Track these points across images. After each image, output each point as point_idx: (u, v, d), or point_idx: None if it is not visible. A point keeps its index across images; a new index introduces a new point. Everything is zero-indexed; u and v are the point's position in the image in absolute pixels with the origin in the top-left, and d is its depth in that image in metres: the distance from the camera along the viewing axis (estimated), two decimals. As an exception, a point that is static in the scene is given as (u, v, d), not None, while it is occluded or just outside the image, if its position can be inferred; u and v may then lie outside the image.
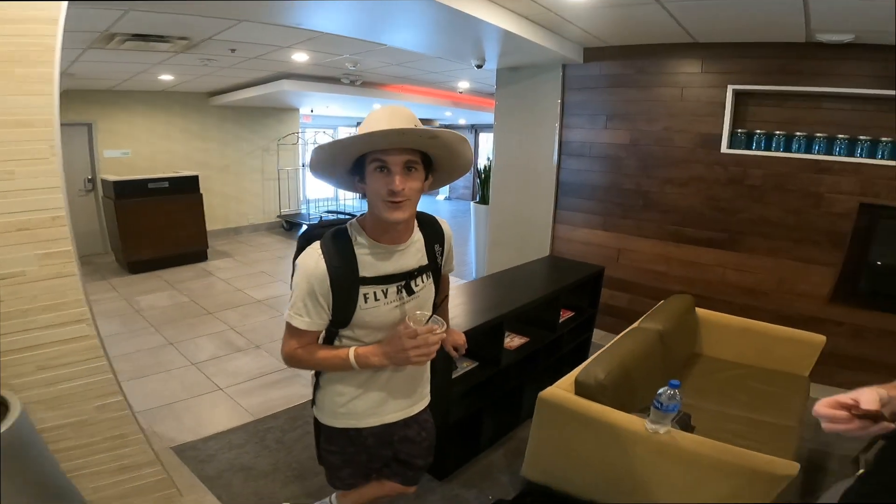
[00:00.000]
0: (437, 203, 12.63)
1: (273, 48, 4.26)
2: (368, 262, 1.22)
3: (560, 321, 2.96)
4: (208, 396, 3.16)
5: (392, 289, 1.26)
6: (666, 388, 1.67)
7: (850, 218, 3.19)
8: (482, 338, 2.36)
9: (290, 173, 8.46)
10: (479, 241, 5.54)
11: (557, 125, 4.13)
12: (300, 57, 4.60)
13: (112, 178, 5.77)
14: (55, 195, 1.65)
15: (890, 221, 3.07)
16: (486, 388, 2.46)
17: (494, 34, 3.12)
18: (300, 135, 8.35)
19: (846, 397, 0.87)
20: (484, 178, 5.46)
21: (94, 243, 6.53)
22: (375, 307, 1.24)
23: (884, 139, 3.03)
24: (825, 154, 3.21)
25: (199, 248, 6.44)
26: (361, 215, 1.28)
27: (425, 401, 1.53)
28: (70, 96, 5.91)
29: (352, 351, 1.23)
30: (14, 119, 1.57)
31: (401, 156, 1.12)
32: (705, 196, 3.63)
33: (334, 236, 1.23)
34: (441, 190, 13.05)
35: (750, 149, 3.43)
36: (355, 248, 1.22)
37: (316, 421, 1.46)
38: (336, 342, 1.31)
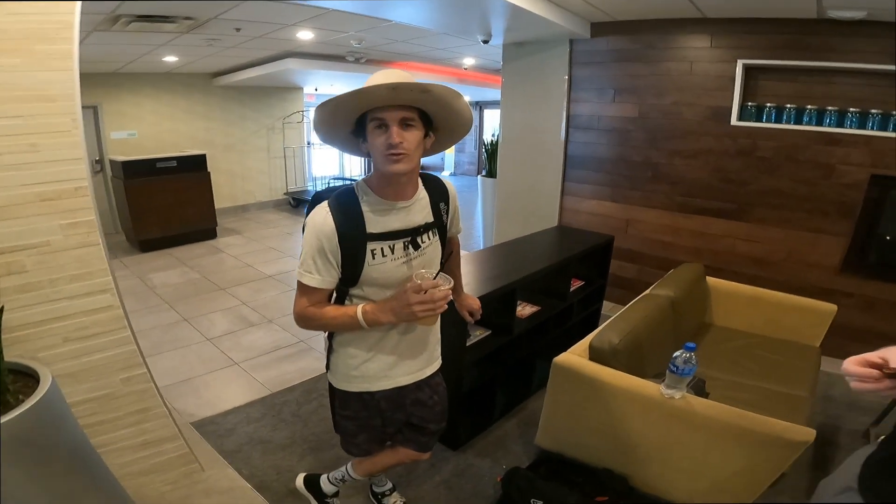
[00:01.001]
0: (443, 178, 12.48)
1: (278, 26, 4.22)
2: (375, 219, 1.26)
3: (570, 290, 2.99)
4: (225, 371, 3.23)
5: (399, 245, 1.29)
6: (681, 351, 1.68)
7: (860, 189, 3.17)
8: (494, 305, 2.40)
9: (296, 151, 8.45)
10: (487, 214, 5.55)
11: (565, 99, 4.10)
12: (305, 35, 4.56)
13: (121, 158, 5.79)
14: (78, 166, 1.68)
15: (900, 192, 3.06)
16: (499, 357, 2.50)
17: (501, 8, 3.08)
18: (304, 113, 8.30)
19: (875, 355, 0.84)
20: (491, 152, 5.45)
21: (104, 223, 6.33)
22: (383, 263, 1.28)
23: (895, 112, 3.00)
24: (836, 127, 3.19)
25: (209, 226, 6.48)
26: (367, 176, 1.33)
27: (436, 363, 1.57)
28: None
29: (359, 308, 1.28)
30: (37, 94, 1.60)
31: (397, 112, 1.16)
32: (714, 167, 3.62)
33: (341, 194, 1.28)
34: (446, 166, 12.99)
35: (760, 121, 3.41)
36: (362, 205, 1.26)
37: (331, 386, 1.51)
38: (346, 302, 1.36)
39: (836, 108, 3.16)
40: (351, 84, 8.32)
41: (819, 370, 2.53)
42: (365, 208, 1.26)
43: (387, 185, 1.27)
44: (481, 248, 5.51)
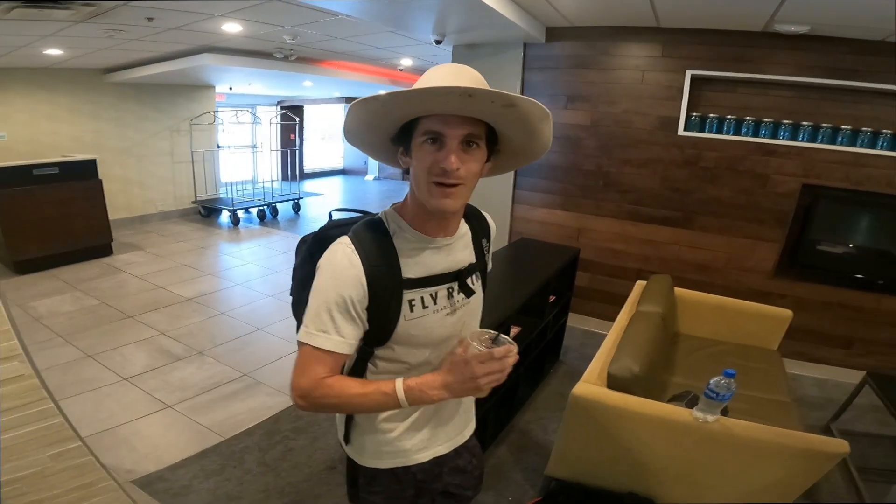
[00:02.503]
0: (367, 183, 11.97)
1: (202, 17, 3.71)
2: (412, 259, 1.00)
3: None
4: (156, 416, 2.73)
5: (442, 292, 1.04)
6: (720, 377, 1.64)
7: (793, 197, 3.43)
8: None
9: (206, 155, 7.62)
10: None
11: (516, 106, 4.02)
12: (232, 28, 4.06)
13: (-14, 163, 4.81)
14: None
15: (828, 200, 3.33)
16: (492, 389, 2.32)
17: (462, 4, 2.89)
18: (216, 114, 7.54)
19: None
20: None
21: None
22: (424, 316, 1.01)
23: (824, 125, 3.27)
24: (770, 138, 3.41)
25: (102, 241, 5.62)
26: (400, 203, 1.05)
27: (472, 424, 1.33)
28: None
29: (399, 384, 0.96)
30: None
31: (461, 128, 0.90)
32: (662, 177, 3.73)
33: (367, 228, 1.00)
34: (370, 169, 12.50)
35: (704, 132, 3.56)
36: (395, 241, 1.00)
37: (351, 462, 1.21)
38: (369, 367, 1.06)
39: (771, 119, 3.38)
40: (271, 83, 7.76)
41: (786, 373, 2.65)
42: (399, 245, 0.99)
43: (428, 217, 1.00)
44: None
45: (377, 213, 1.05)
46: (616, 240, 3.98)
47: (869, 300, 3.39)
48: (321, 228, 1.13)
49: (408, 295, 0.99)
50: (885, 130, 3.13)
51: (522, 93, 3.95)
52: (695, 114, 3.55)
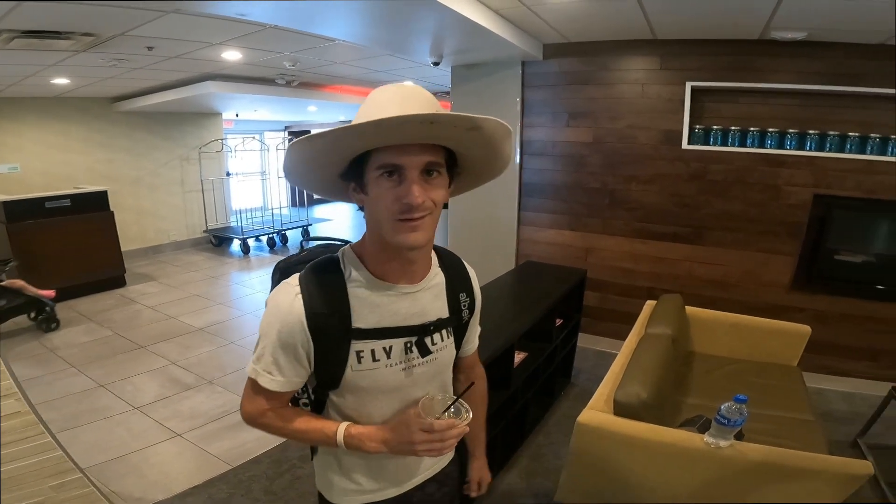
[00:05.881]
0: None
1: (200, 45, 3.78)
2: (366, 307, 0.91)
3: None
4: (166, 445, 2.74)
5: (398, 346, 0.94)
6: (730, 402, 1.59)
7: (805, 208, 3.35)
8: (489, 363, 2.17)
9: (215, 184, 7.71)
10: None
11: (518, 124, 4.02)
12: (232, 55, 4.14)
13: (0, 197, 4.92)
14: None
15: (842, 210, 3.25)
16: (498, 415, 2.27)
17: (458, 26, 2.89)
18: (224, 141, 7.66)
19: None
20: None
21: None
22: (373, 369, 0.93)
23: (831, 133, 3.20)
24: (777, 148, 3.35)
25: (115, 273, 5.69)
26: (359, 241, 0.97)
27: (450, 455, 1.23)
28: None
29: (342, 430, 0.94)
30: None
31: (421, 156, 0.81)
32: (669, 192, 3.67)
33: (319, 269, 0.93)
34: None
35: (708, 144, 3.51)
36: (348, 286, 0.91)
37: (320, 495, 1.14)
38: (328, 404, 1.01)
39: (776, 129, 3.32)
40: (276, 109, 7.85)
41: (807, 389, 2.56)
42: (353, 290, 0.91)
43: (389, 258, 0.91)
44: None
45: (344, 245, 0.99)
46: (626, 258, 3.91)
47: (889, 310, 3.27)
48: (291, 256, 1.07)
49: (357, 345, 0.91)
50: (893, 136, 3.05)
51: (522, 111, 3.97)
52: (698, 126, 3.51)
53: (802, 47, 3.13)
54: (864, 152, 3.14)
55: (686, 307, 2.96)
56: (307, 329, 0.88)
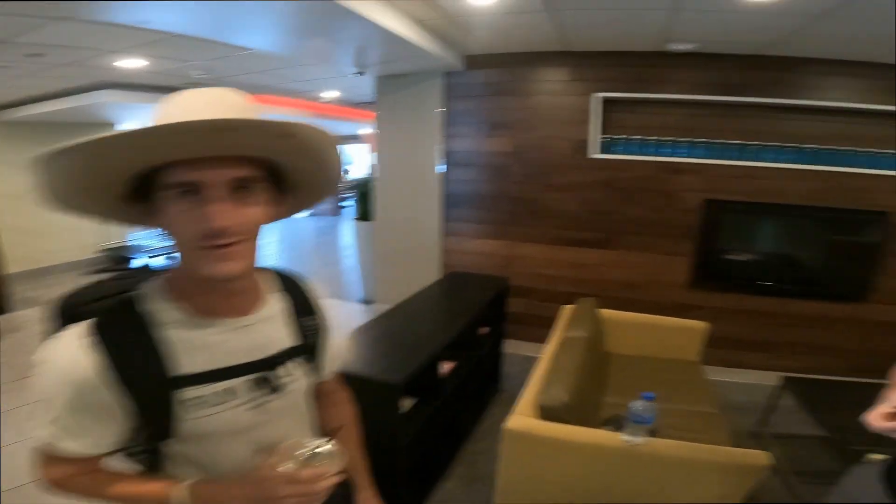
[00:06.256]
0: (297, 222, 11.18)
1: (95, 52, 3.48)
2: (190, 351, 0.76)
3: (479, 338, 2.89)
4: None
5: (242, 385, 0.80)
6: (640, 401, 1.69)
7: (696, 213, 3.66)
8: (416, 374, 2.17)
9: (113, 199, 7.07)
10: (365, 260, 5.25)
11: (441, 134, 4.07)
12: (133, 63, 3.84)
13: None
14: None
15: (728, 214, 3.59)
16: (430, 424, 2.27)
17: (375, 36, 2.88)
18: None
19: (888, 407, 1.08)
20: (362, 193, 5.18)
21: None
22: (215, 414, 0.77)
23: (717, 141, 3.54)
24: (671, 156, 3.63)
25: (-6, 299, 5.06)
26: (175, 269, 0.80)
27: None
28: None
29: (185, 491, 0.77)
30: None
31: (223, 171, 0.68)
32: (583, 200, 3.87)
33: (113, 313, 0.75)
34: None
35: (614, 153, 3.74)
36: (160, 329, 0.75)
37: None
38: (163, 457, 0.82)
39: (671, 138, 3.61)
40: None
41: (709, 382, 2.78)
42: (168, 333, 0.75)
43: (207, 290, 0.77)
44: (362, 297, 5.17)
45: (148, 276, 0.82)
46: (547, 265, 4.06)
47: (776, 305, 3.65)
48: (73, 293, 0.86)
49: (186, 393, 0.75)
50: (769, 143, 3.42)
51: (446, 122, 4.02)
52: (603, 136, 3.72)
53: (695, 59, 3.43)
54: (743, 159, 3.49)
55: (600, 310, 3.13)
56: (108, 386, 0.71)
